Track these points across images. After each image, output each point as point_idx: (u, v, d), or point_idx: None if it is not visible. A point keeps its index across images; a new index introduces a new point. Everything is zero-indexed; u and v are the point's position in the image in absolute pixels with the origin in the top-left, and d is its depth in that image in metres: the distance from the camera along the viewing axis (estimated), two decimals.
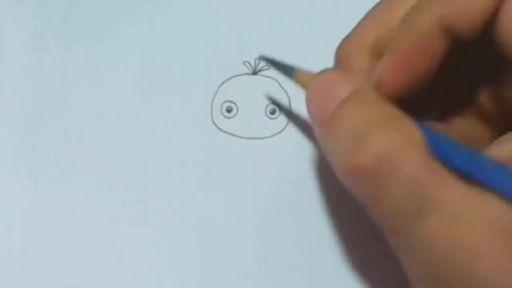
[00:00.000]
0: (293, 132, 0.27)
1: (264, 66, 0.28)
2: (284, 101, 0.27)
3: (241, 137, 0.27)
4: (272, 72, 0.27)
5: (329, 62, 0.27)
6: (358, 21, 0.23)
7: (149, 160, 0.27)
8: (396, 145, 0.18)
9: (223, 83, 0.28)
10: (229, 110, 0.27)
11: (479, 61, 0.21)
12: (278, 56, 0.27)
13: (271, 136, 0.27)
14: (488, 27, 0.19)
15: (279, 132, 0.27)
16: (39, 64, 0.28)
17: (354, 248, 0.26)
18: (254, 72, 0.28)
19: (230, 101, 0.27)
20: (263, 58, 0.26)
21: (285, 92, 0.27)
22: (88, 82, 0.28)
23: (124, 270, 0.26)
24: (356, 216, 0.26)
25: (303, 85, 0.23)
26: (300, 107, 0.27)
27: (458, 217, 0.17)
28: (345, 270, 0.26)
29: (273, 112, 0.27)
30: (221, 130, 0.27)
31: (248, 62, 0.28)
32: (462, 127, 0.23)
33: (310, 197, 0.27)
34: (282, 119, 0.27)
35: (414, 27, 0.20)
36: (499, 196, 0.17)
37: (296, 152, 0.27)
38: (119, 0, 0.29)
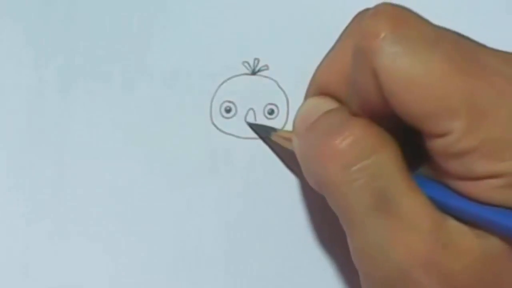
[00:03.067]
0: None
1: (263, 66, 0.28)
2: (282, 101, 0.27)
3: (240, 137, 0.27)
4: (271, 72, 0.28)
5: None
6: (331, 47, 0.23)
7: (148, 160, 0.27)
8: (373, 136, 0.20)
9: (222, 83, 0.28)
10: (228, 110, 0.27)
11: None
12: (278, 56, 0.28)
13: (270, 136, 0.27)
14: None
15: None
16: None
17: (343, 251, 0.27)
18: (253, 72, 0.28)
19: (229, 101, 0.28)
20: (249, 124, 0.27)
21: (284, 92, 0.27)
22: (86, 83, 0.28)
23: (122, 269, 0.27)
24: None
25: (281, 141, 0.26)
26: (298, 107, 0.27)
27: (415, 228, 0.18)
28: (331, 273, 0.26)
29: (271, 112, 0.27)
30: (220, 130, 0.27)
31: (247, 62, 0.28)
32: None
33: (309, 197, 0.27)
34: (280, 119, 0.27)
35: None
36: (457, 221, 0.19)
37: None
38: (119, 4, 0.29)
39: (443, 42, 0.19)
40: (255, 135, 0.27)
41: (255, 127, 0.27)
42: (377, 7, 0.19)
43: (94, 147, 0.27)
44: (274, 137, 0.26)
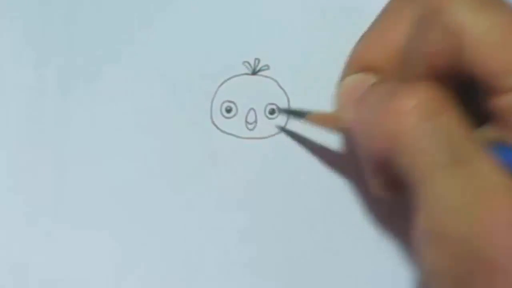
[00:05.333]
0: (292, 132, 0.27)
1: (263, 66, 0.28)
2: (283, 101, 0.27)
3: (240, 137, 0.27)
4: (272, 72, 0.28)
5: (328, 61, 0.27)
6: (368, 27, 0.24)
7: (148, 160, 0.27)
8: (440, 97, 0.19)
9: (222, 83, 0.28)
10: (228, 110, 0.27)
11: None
12: (278, 56, 0.28)
13: (270, 136, 0.27)
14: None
15: (278, 132, 0.27)
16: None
17: (346, 248, 0.26)
18: (254, 72, 0.28)
19: (229, 101, 0.27)
20: (280, 110, 0.27)
21: (284, 92, 0.27)
22: (87, 83, 0.28)
23: (122, 269, 0.26)
24: (352, 216, 0.26)
25: (319, 123, 0.25)
26: (299, 107, 0.27)
27: (489, 186, 0.18)
28: (338, 271, 0.26)
29: (272, 112, 0.27)
30: (220, 130, 0.27)
31: (248, 62, 0.28)
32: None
33: (309, 197, 0.27)
34: (281, 119, 0.27)
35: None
36: None
37: (295, 152, 0.27)
38: (120, 4, 0.29)
39: None
40: (256, 135, 0.27)
41: (286, 112, 0.27)
42: None
43: (94, 147, 0.27)
44: (310, 119, 0.26)
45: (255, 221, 0.27)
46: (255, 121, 0.27)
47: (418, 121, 0.19)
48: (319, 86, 0.27)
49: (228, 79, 0.28)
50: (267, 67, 0.28)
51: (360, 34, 0.27)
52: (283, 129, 0.27)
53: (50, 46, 0.28)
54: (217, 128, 0.27)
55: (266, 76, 0.28)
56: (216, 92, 0.28)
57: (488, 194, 0.18)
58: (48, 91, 0.28)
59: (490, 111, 0.20)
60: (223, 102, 0.27)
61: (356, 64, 0.23)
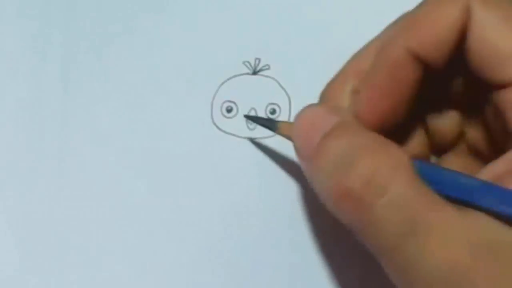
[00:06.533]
0: None
1: (264, 66, 0.28)
2: (284, 101, 0.27)
3: (241, 137, 0.27)
4: (272, 72, 0.28)
5: (329, 61, 0.27)
6: (343, 64, 0.23)
7: (149, 160, 0.27)
8: (383, 167, 0.19)
9: (223, 83, 0.28)
10: (229, 110, 0.27)
11: (461, 92, 0.22)
12: (279, 56, 0.28)
13: (271, 136, 0.27)
14: (458, 53, 0.20)
15: None
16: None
17: (345, 245, 0.26)
18: (254, 72, 0.28)
19: (230, 101, 0.27)
20: (247, 117, 0.27)
21: (285, 92, 0.27)
22: (89, 83, 0.28)
23: (126, 268, 0.26)
24: None
25: (288, 135, 0.23)
26: (300, 107, 0.27)
27: (449, 238, 0.18)
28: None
29: (273, 112, 0.27)
30: (221, 130, 0.27)
31: (248, 62, 0.28)
32: (456, 165, 0.23)
33: (309, 196, 0.27)
34: (282, 118, 0.27)
35: (384, 60, 0.21)
36: (487, 215, 0.18)
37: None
38: (121, 4, 0.29)
39: None
40: (256, 135, 0.27)
41: (255, 120, 0.26)
42: None
43: (93, 147, 0.27)
44: (278, 132, 0.25)
45: (256, 221, 0.26)
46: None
47: (367, 207, 0.19)
48: (319, 86, 0.27)
49: (229, 79, 0.28)
50: (267, 67, 0.28)
51: (360, 34, 0.27)
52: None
53: (51, 45, 0.28)
54: (218, 128, 0.27)
55: (266, 76, 0.28)
56: (216, 92, 0.27)
57: (445, 248, 0.18)
58: (50, 90, 0.28)
59: (491, 107, 0.20)
60: (224, 102, 0.27)
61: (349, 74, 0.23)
